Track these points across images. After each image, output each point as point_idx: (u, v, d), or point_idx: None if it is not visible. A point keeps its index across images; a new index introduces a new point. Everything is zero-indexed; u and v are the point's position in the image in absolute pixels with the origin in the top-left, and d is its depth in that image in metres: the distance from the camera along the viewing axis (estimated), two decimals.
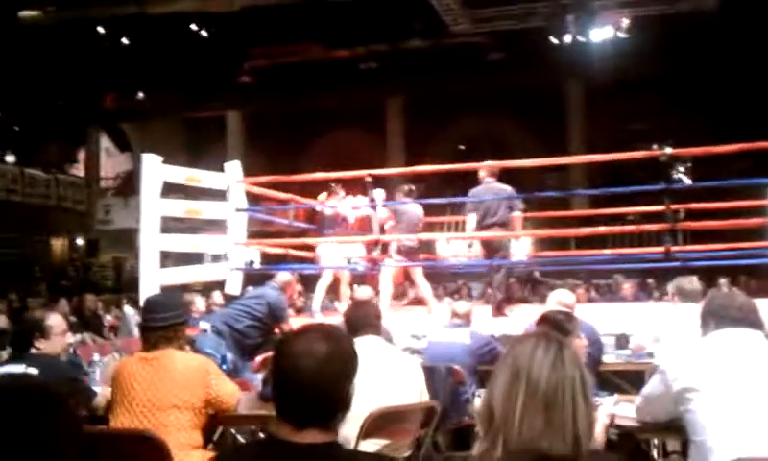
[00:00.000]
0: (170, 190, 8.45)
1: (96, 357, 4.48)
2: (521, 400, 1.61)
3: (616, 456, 3.16)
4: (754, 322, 2.93)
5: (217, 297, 8.71)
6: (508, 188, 7.83)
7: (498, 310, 7.56)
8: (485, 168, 7.90)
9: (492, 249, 7.75)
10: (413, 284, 9.06)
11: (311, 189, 9.77)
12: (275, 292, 6.12)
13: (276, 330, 5.94)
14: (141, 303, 4.57)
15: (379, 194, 8.17)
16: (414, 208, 8.33)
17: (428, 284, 8.54)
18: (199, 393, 3.36)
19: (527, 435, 1.58)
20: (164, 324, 3.48)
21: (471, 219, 7.68)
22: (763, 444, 2.52)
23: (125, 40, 19.01)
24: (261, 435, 3.83)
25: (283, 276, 6.43)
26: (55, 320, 3.92)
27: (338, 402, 1.82)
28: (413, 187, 8.55)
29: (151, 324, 3.50)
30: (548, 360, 1.65)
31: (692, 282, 5.06)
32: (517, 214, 7.71)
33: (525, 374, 1.63)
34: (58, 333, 3.89)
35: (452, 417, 5.02)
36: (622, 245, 10.71)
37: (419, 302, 9.21)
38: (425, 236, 8.54)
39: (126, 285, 18.34)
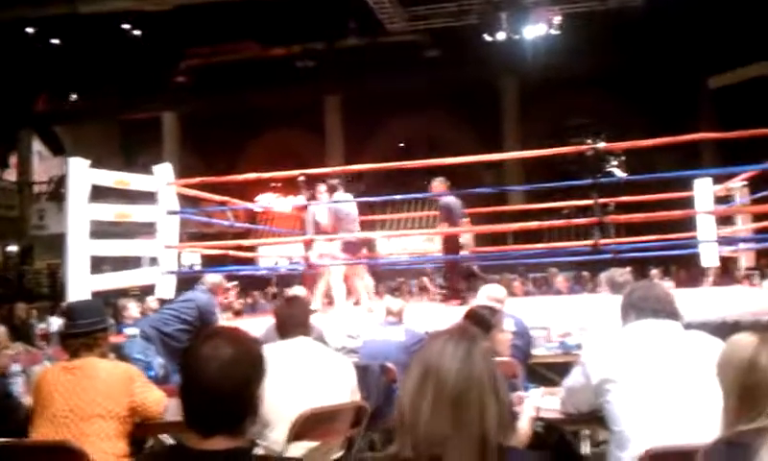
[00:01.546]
0: (105, 194, 8.28)
1: (15, 367, 4.35)
2: (430, 399, 1.59)
3: (538, 453, 3.19)
4: (672, 312, 2.98)
5: (151, 302, 8.56)
6: None
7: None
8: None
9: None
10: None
11: (252, 190, 9.70)
12: (204, 295, 6.04)
13: None
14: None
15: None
16: (349, 205, 8.37)
17: (371, 281, 8.60)
18: (123, 401, 3.28)
19: (435, 434, 1.57)
20: (85, 331, 3.41)
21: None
22: (679, 433, 2.56)
23: (56, 41, 18.59)
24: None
25: (212, 277, 6.35)
26: None
27: (245, 407, 1.78)
28: (334, 183, 8.57)
29: (71, 331, 3.42)
30: (458, 358, 1.63)
31: (623, 274, 5.15)
32: None
33: (434, 372, 1.62)
34: None
35: (387, 415, 5.01)
36: (559, 239, 10.91)
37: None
38: (375, 234, 8.58)
39: (61, 292, 17.90)
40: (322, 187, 8.62)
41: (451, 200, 8.55)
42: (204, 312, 5.86)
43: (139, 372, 3.61)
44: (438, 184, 8.62)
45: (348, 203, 8.38)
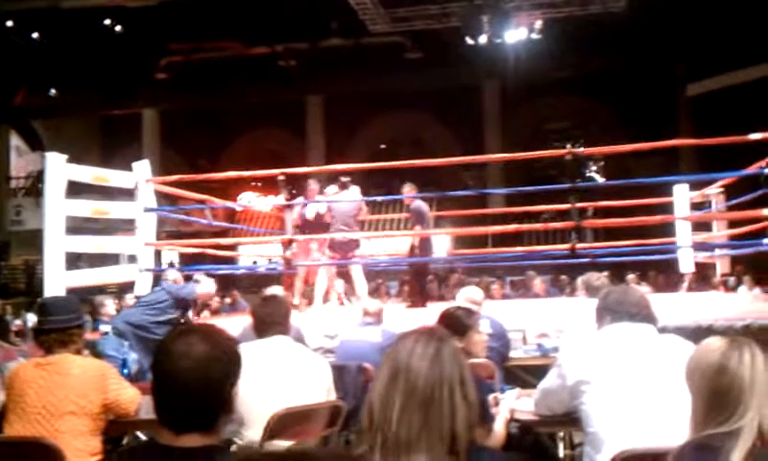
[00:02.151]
0: (84, 190, 8.22)
1: None
2: (399, 400, 1.59)
3: (512, 454, 3.21)
4: (648, 316, 3.01)
5: (130, 299, 8.53)
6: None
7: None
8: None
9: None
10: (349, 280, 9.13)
11: (233, 188, 9.69)
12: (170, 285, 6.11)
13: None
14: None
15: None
16: (343, 203, 8.38)
17: (365, 282, 8.62)
18: (96, 398, 3.27)
19: (404, 436, 1.57)
20: (59, 327, 3.39)
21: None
22: (653, 435, 2.59)
23: (36, 35, 18.40)
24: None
25: (172, 274, 6.42)
26: None
27: (218, 405, 1.77)
28: (347, 180, 8.60)
29: (45, 327, 3.40)
30: (427, 358, 1.63)
31: (599, 278, 5.17)
32: None
33: (404, 372, 1.62)
34: None
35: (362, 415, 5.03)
36: (538, 242, 10.96)
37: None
38: (357, 235, 8.59)
39: (38, 288, 17.75)
40: (314, 185, 8.69)
41: (421, 204, 8.63)
42: (175, 295, 5.85)
43: (113, 369, 3.60)
44: (408, 189, 8.75)
45: (346, 198, 8.45)
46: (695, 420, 2.03)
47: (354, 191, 8.61)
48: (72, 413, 3.19)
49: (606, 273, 8.07)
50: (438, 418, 1.59)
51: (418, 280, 8.99)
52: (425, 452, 1.56)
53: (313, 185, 8.80)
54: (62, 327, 3.41)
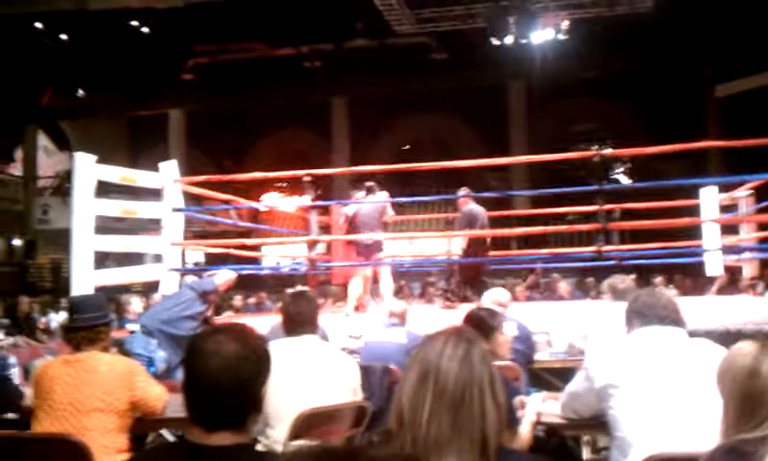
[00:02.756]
0: (112, 190, 8.29)
1: (11, 359, 4.36)
2: (429, 401, 1.59)
3: (540, 456, 3.19)
4: (677, 320, 2.98)
5: (157, 298, 8.59)
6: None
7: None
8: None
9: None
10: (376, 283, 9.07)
11: (257, 189, 9.74)
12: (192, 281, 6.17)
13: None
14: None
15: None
16: (368, 206, 8.37)
17: (391, 283, 8.58)
18: (123, 395, 3.29)
19: (434, 437, 1.57)
20: (86, 325, 3.43)
21: None
22: (681, 440, 2.56)
23: (64, 36, 18.60)
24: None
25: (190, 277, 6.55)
26: None
27: (249, 404, 1.79)
28: (372, 184, 8.59)
29: (73, 325, 3.44)
30: (456, 359, 1.63)
31: (625, 281, 5.12)
32: None
33: (433, 373, 1.62)
34: None
35: (388, 416, 5.01)
36: (563, 244, 10.89)
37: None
38: (388, 236, 8.57)
39: (64, 287, 17.95)
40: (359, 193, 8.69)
41: (474, 208, 8.61)
42: (198, 288, 5.88)
43: (141, 366, 3.62)
44: (464, 193, 8.80)
45: (371, 202, 8.43)
46: (726, 424, 2.02)
47: (381, 195, 8.57)
48: (99, 410, 3.22)
49: (632, 276, 7.98)
50: (468, 419, 1.59)
51: (470, 280, 8.70)
52: (455, 454, 1.56)
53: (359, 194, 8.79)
54: (91, 324, 3.45)
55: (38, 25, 18.03)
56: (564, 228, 7.64)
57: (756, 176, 8.33)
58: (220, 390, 1.75)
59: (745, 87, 16.95)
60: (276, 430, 3.33)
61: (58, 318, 10.03)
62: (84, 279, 6.47)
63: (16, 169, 24.35)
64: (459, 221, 8.80)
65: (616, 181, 20.03)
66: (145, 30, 18.17)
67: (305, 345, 3.67)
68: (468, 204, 8.70)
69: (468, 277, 8.67)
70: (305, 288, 5.95)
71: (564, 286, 11.22)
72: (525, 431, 3.21)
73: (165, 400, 3.51)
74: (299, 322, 3.73)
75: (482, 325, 3.61)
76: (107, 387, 3.27)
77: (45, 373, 3.34)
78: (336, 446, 1.32)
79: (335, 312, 8.60)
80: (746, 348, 2.04)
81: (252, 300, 12.71)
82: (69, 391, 3.23)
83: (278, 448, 3.26)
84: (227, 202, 9.70)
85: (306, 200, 8.54)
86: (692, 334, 3.00)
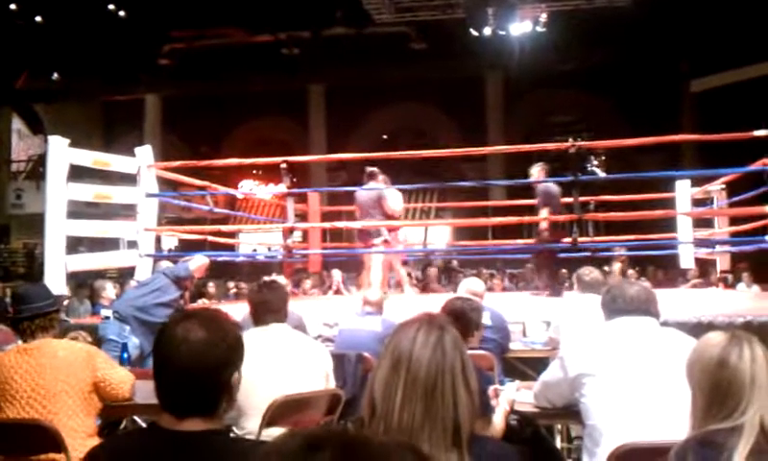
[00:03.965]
0: (87, 175, 8.21)
1: None
2: (401, 388, 1.59)
3: (512, 445, 3.20)
4: (646, 311, 3.01)
5: (133, 284, 8.52)
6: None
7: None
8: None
9: None
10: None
11: (234, 176, 9.67)
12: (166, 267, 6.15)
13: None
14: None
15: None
16: (364, 192, 8.31)
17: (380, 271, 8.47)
18: (85, 376, 3.30)
19: (407, 424, 1.57)
20: (41, 312, 3.45)
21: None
22: (653, 430, 2.59)
23: (39, 18, 18.35)
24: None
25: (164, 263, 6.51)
26: None
27: (219, 390, 1.77)
28: (373, 170, 8.51)
29: (25, 314, 3.44)
30: (429, 346, 1.63)
31: (591, 273, 5.16)
32: None
33: (405, 361, 1.62)
34: None
35: (362, 404, 5.01)
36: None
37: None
38: (399, 223, 8.49)
39: (38, 272, 17.76)
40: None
41: (550, 186, 8.10)
42: (171, 275, 5.84)
43: (100, 351, 3.64)
44: (538, 170, 8.24)
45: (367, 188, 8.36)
46: (696, 415, 2.03)
47: (381, 181, 8.44)
48: (64, 392, 3.22)
49: (606, 268, 8.06)
50: (440, 407, 1.59)
51: (547, 266, 8.30)
52: (428, 442, 1.56)
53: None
54: (45, 312, 3.47)
55: (13, 6, 17.75)
56: (539, 218, 7.64)
57: (729, 170, 8.43)
58: (189, 376, 1.73)
59: (720, 83, 17.09)
60: (251, 420, 3.32)
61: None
62: (57, 264, 6.41)
63: None
64: (539, 199, 8.19)
65: (592, 173, 20.15)
66: (122, 14, 17.95)
67: (273, 334, 3.66)
68: (545, 180, 8.16)
69: (544, 264, 8.25)
70: (274, 277, 5.92)
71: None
72: (499, 420, 3.22)
73: (131, 383, 3.49)
74: (264, 311, 3.74)
75: (459, 314, 3.62)
76: (68, 370, 3.27)
77: (2, 364, 3.31)
78: (348, 430, 1.33)
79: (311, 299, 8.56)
80: (715, 338, 2.05)
81: (232, 288, 12.57)
82: (30, 378, 3.22)
83: (253, 436, 3.25)
84: (202, 188, 9.64)
85: (282, 187, 8.50)
86: (664, 325, 3.03)
